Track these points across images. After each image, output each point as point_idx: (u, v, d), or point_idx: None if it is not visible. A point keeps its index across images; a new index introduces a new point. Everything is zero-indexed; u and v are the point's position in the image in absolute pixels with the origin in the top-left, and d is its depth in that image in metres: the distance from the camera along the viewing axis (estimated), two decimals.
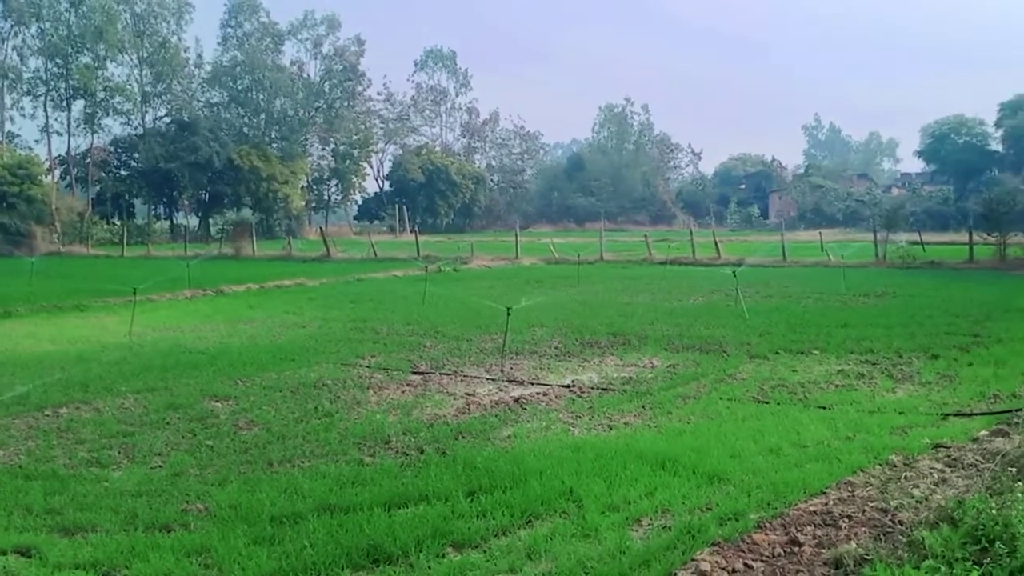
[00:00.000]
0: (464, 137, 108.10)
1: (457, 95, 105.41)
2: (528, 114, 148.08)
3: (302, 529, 6.08)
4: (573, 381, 11.51)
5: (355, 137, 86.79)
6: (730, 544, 5.70)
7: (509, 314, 13.06)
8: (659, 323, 16.72)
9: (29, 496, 7.00)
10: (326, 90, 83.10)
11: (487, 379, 11.83)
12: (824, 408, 9.62)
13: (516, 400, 10.39)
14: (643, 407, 9.92)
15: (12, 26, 63.76)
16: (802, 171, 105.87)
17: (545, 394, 10.71)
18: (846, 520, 6.03)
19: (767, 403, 9.99)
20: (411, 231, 63.59)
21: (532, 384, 11.42)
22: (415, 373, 12.31)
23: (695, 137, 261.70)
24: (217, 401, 10.56)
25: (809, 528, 5.93)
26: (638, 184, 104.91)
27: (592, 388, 11.05)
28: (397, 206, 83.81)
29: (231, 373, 12.26)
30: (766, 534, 5.86)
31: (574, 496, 6.60)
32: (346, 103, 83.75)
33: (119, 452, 8.42)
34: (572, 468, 7.21)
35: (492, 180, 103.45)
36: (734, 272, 19.21)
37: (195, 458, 8.12)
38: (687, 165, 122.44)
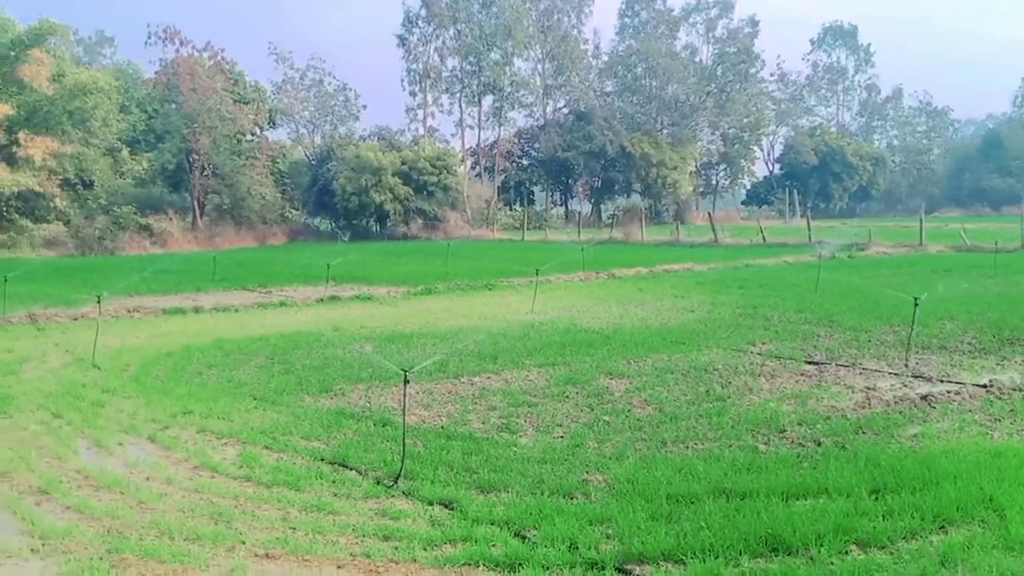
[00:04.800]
0: (862, 116, 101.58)
1: (856, 72, 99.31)
2: (936, 89, 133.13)
3: (698, 510, 6.15)
4: (991, 380, 10.42)
5: (746, 120, 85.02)
6: None
7: (917, 305, 12.11)
8: None
9: (450, 455, 7.76)
10: (718, 74, 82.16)
11: (889, 373, 11.10)
12: None
13: (923, 397, 9.64)
14: None
15: (434, 30, 70.59)
16: None
17: (957, 393, 9.83)
18: None
19: None
20: (802, 216, 61.17)
21: (941, 381, 10.54)
22: (809, 363, 11.88)
23: None
24: (612, 379, 10.99)
25: None
26: None
27: (1014, 389, 9.93)
28: (787, 190, 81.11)
29: (624, 353, 12.69)
30: None
31: (995, 505, 6.01)
32: (738, 86, 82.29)
33: (525, 420, 9.08)
34: (992, 475, 6.55)
35: (893, 161, 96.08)
36: None
37: (593, 431, 8.53)
38: None
